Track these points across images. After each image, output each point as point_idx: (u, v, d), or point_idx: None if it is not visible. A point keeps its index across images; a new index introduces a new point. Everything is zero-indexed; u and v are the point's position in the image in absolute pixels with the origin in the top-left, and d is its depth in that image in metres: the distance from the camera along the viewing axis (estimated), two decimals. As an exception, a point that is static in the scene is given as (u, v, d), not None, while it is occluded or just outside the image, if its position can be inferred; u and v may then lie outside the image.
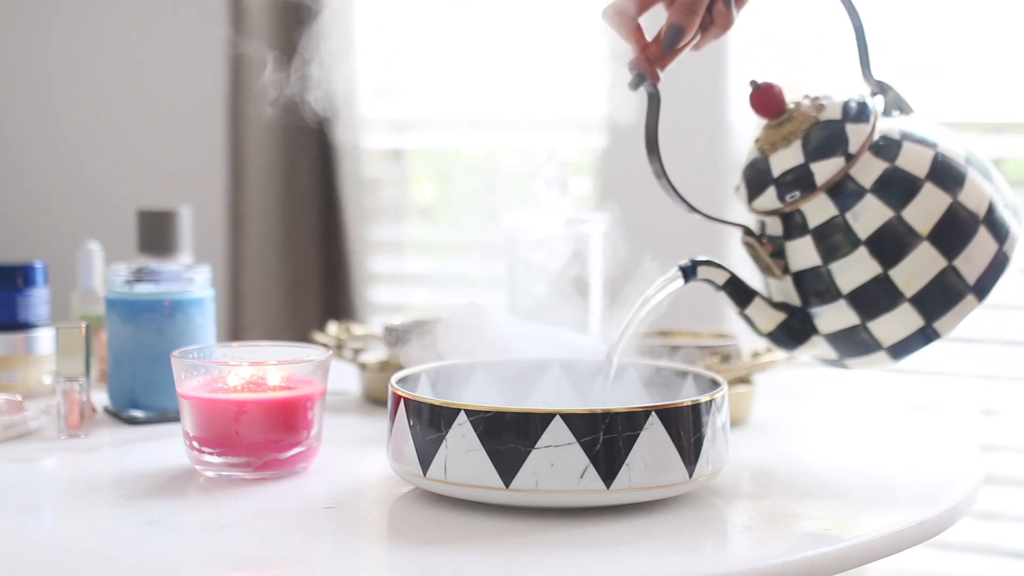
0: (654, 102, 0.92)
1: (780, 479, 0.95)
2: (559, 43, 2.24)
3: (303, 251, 2.39)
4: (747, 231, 0.95)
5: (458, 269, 2.45)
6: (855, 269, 0.89)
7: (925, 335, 0.90)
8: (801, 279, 0.92)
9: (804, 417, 1.23)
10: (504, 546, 0.77)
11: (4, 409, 1.05)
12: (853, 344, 0.92)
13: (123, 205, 2.28)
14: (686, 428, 0.82)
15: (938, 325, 0.90)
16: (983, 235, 0.89)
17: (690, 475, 0.82)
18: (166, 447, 1.02)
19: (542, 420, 0.79)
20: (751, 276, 0.96)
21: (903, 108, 0.95)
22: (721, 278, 0.93)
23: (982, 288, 0.89)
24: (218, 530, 0.80)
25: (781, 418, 1.18)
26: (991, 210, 0.90)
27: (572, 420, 0.79)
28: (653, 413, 0.81)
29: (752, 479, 0.95)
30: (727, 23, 0.92)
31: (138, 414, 1.10)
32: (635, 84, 0.92)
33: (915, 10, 2.04)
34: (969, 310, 0.90)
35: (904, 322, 0.90)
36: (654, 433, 0.80)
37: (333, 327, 1.33)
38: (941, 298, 0.89)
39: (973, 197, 0.90)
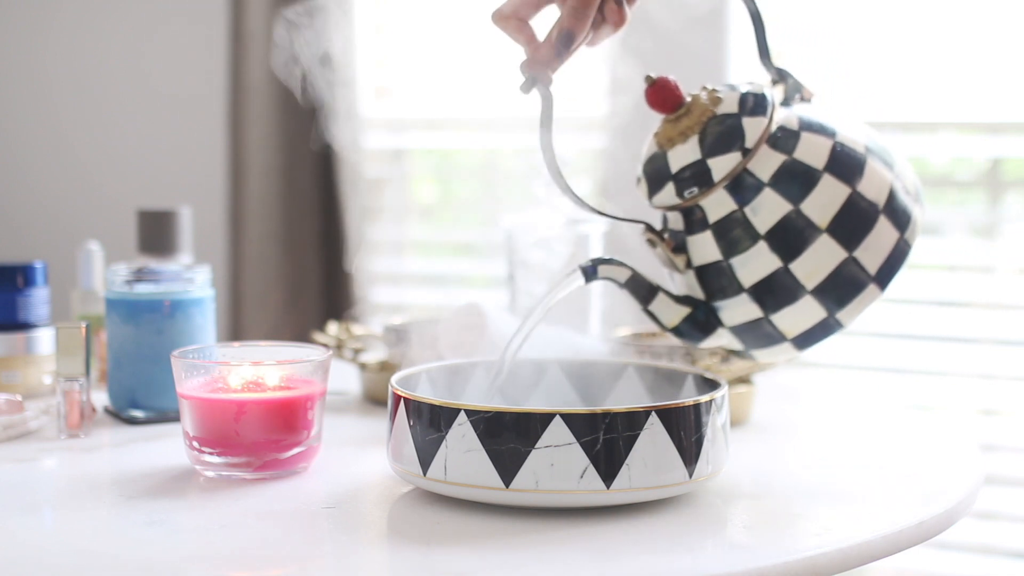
0: (547, 103, 0.92)
1: (780, 479, 0.95)
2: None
3: (303, 251, 2.39)
4: (647, 227, 0.94)
5: (458, 269, 2.46)
6: (755, 263, 0.89)
7: (828, 326, 0.90)
8: (703, 273, 0.92)
9: (804, 417, 1.23)
10: (504, 546, 0.77)
11: (4, 409, 1.05)
12: (758, 336, 0.92)
13: (123, 205, 2.28)
14: (686, 428, 0.82)
15: (840, 316, 0.89)
16: (883, 224, 0.88)
17: (690, 475, 0.82)
18: (166, 447, 1.02)
19: (542, 420, 0.79)
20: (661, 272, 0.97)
21: (803, 95, 0.94)
22: (623, 276, 0.92)
23: (883, 277, 0.89)
24: (218, 530, 0.80)
25: (781, 418, 1.18)
26: (891, 198, 0.89)
27: (572, 420, 0.79)
28: (653, 413, 0.81)
29: (752, 479, 0.95)
30: (620, 20, 0.92)
31: (138, 414, 1.10)
32: (528, 87, 0.92)
33: (915, 10, 2.04)
34: (871, 299, 0.89)
35: (806, 314, 0.89)
36: (654, 433, 0.80)
37: (333, 327, 1.33)
38: (842, 289, 0.88)
39: (873, 186, 0.89)
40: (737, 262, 0.89)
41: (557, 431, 0.79)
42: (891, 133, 0.95)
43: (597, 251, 1.29)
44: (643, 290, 0.93)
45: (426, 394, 0.92)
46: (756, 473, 0.97)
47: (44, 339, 1.21)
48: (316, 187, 2.38)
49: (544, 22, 0.93)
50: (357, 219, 2.35)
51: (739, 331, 0.92)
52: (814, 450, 1.08)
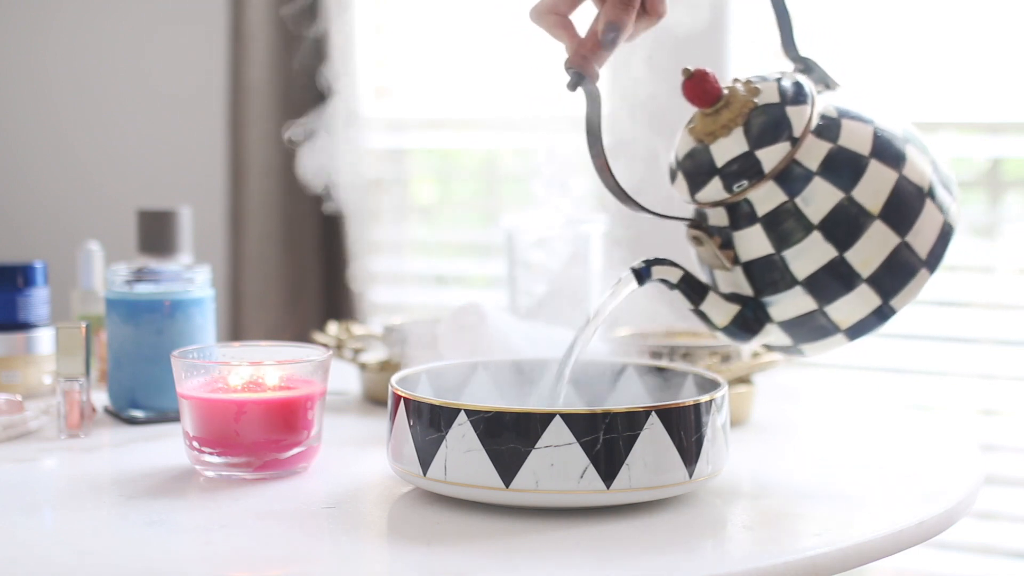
0: (595, 100, 0.90)
1: (780, 479, 0.95)
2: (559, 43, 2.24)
3: (303, 251, 2.39)
4: (693, 224, 0.93)
5: (458, 269, 2.45)
6: (810, 254, 0.88)
7: (882, 313, 0.89)
8: (752, 269, 0.90)
9: (804, 417, 1.23)
10: (504, 546, 0.77)
11: (4, 409, 1.05)
12: (810, 329, 0.91)
13: (123, 205, 2.28)
14: (686, 428, 0.82)
15: (894, 302, 0.89)
16: (930, 208, 0.89)
17: (690, 475, 0.82)
18: (166, 447, 1.02)
19: (542, 420, 0.79)
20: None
21: (829, 84, 0.94)
22: (675, 276, 0.91)
23: (933, 261, 0.89)
24: (218, 530, 0.80)
25: (781, 418, 1.18)
26: (933, 180, 0.89)
27: (572, 420, 0.79)
28: (653, 413, 0.81)
29: (752, 479, 0.95)
30: (660, 13, 0.90)
31: (138, 414, 1.10)
32: (574, 84, 0.90)
33: (915, 10, 2.04)
34: (923, 284, 0.89)
35: (862, 303, 0.89)
36: (654, 433, 0.80)
37: (333, 327, 1.33)
38: (897, 275, 0.88)
39: (916, 170, 0.89)
40: (790, 254, 0.88)
41: (557, 431, 0.79)
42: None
43: (598, 252, 1.29)
44: (695, 290, 0.91)
45: (426, 394, 0.92)
46: (756, 473, 0.97)
47: (44, 339, 1.21)
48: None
49: (583, 19, 0.91)
50: (357, 219, 2.35)
51: (790, 326, 0.91)
52: (814, 450, 1.08)
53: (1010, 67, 1.99)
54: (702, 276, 0.95)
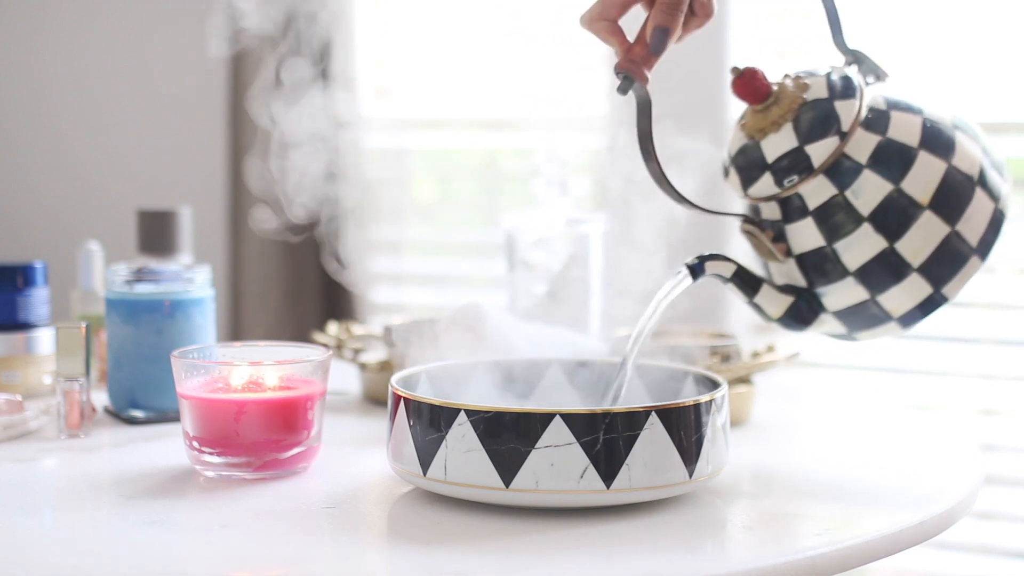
0: (645, 105, 0.91)
1: (780, 479, 0.95)
2: (559, 43, 2.24)
3: (303, 251, 2.39)
4: (746, 219, 0.95)
5: (458, 269, 2.45)
6: (861, 246, 0.89)
7: (934, 301, 0.91)
8: (805, 261, 0.92)
9: (804, 417, 1.23)
10: (504, 546, 0.77)
11: (4, 409, 1.05)
12: (863, 318, 0.92)
13: (123, 205, 2.28)
14: (686, 428, 0.82)
15: (946, 290, 0.91)
16: (980, 196, 0.90)
17: (690, 475, 0.82)
18: (166, 447, 1.02)
19: (542, 420, 0.79)
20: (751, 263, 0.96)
21: (879, 75, 0.95)
22: (728, 271, 0.93)
23: (984, 248, 0.90)
24: (218, 530, 0.80)
25: (781, 418, 1.18)
26: (983, 170, 0.90)
27: (572, 420, 0.79)
28: (653, 413, 0.81)
29: (752, 479, 0.95)
30: (709, 13, 0.92)
31: (138, 414, 1.10)
32: (624, 88, 0.91)
33: (915, 10, 2.04)
34: (974, 271, 0.90)
35: (913, 292, 0.90)
36: (654, 433, 0.80)
37: (333, 327, 1.33)
38: (947, 264, 0.89)
39: (966, 160, 0.90)
40: (841, 246, 0.90)
41: (557, 431, 0.79)
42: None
43: (597, 251, 1.29)
44: (748, 283, 0.93)
45: (426, 394, 0.92)
46: (756, 473, 0.97)
47: (44, 339, 1.21)
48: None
49: (633, 23, 0.92)
50: (357, 219, 2.35)
51: (843, 315, 0.92)
52: (814, 450, 1.08)
53: (1010, 67, 1.99)
54: (758, 268, 0.96)
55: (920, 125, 0.90)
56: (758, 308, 0.93)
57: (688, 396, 0.93)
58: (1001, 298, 2.01)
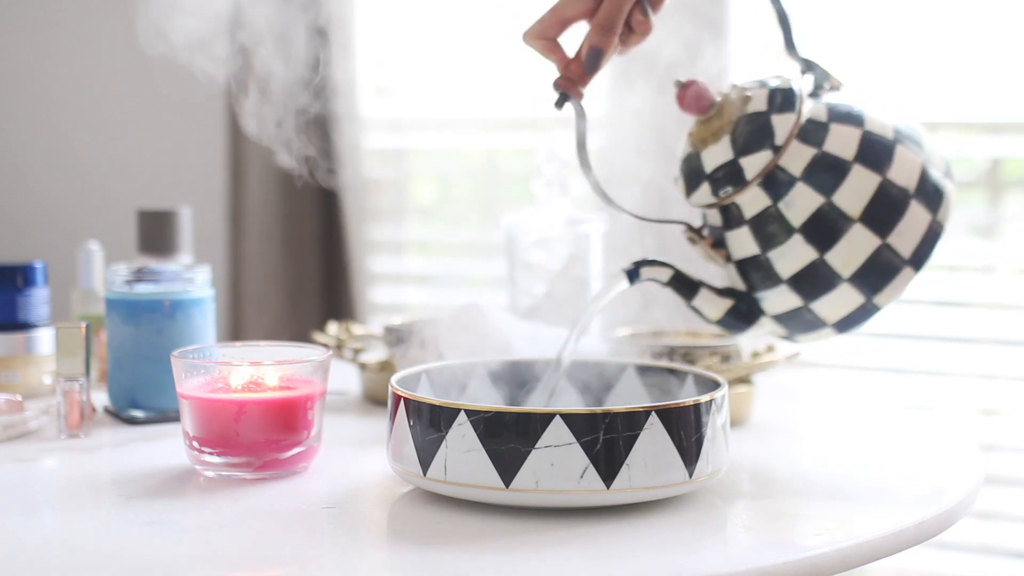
0: (581, 119, 0.95)
1: (780, 479, 0.95)
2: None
3: (303, 251, 2.39)
4: (687, 227, 0.97)
5: (458, 269, 2.45)
6: (792, 255, 0.91)
7: (866, 310, 0.93)
8: (744, 267, 0.95)
9: (804, 417, 1.23)
10: (504, 546, 0.77)
11: (4, 409, 1.05)
12: (800, 323, 0.95)
13: (123, 205, 2.28)
14: (686, 428, 0.82)
15: (878, 299, 0.92)
16: (915, 208, 0.91)
17: (690, 475, 0.82)
18: (166, 447, 1.02)
19: (542, 420, 0.79)
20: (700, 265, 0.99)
21: (832, 84, 0.96)
22: (665, 275, 0.96)
23: (918, 259, 0.91)
24: (218, 530, 0.80)
25: (781, 418, 1.18)
26: (922, 180, 0.91)
27: (572, 420, 0.79)
28: (653, 413, 0.81)
29: (752, 479, 0.95)
30: (646, 30, 0.94)
31: (138, 414, 1.10)
32: (560, 104, 0.95)
33: (915, 10, 2.04)
34: (907, 281, 0.92)
35: (845, 300, 0.92)
36: (654, 433, 0.80)
37: (333, 327, 1.33)
38: (878, 275, 0.91)
39: (903, 171, 0.91)
40: (774, 255, 0.92)
41: (557, 431, 0.79)
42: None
43: (598, 252, 1.29)
44: (686, 287, 0.96)
45: (426, 394, 0.92)
46: (756, 473, 0.97)
47: (44, 339, 1.21)
48: (316, 187, 2.38)
49: (575, 37, 0.95)
50: (357, 219, 2.35)
51: (781, 319, 0.95)
52: (814, 450, 1.08)
53: (1010, 67, 1.99)
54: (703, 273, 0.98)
55: (859, 138, 0.92)
56: (697, 311, 0.96)
57: (688, 396, 0.93)
58: (1001, 298, 2.01)
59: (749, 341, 1.17)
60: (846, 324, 0.94)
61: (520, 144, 2.32)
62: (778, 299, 0.94)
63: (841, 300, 0.92)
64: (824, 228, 0.90)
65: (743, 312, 0.95)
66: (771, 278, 0.93)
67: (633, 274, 0.95)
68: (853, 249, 0.90)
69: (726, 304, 0.95)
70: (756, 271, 0.94)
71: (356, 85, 2.32)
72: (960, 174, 2.09)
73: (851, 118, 0.93)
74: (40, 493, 0.91)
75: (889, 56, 2.04)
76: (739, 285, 0.96)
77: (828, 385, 2.08)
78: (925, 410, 2.01)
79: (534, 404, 0.98)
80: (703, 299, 0.95)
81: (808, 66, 0.96)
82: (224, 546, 0.77)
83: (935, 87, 2.02)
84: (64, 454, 1.01)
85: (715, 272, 0.98)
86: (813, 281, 0.91)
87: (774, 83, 0.94)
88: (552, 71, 0.95)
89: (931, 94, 2.03)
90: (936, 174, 0.92)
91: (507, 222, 1.32)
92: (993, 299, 2.01)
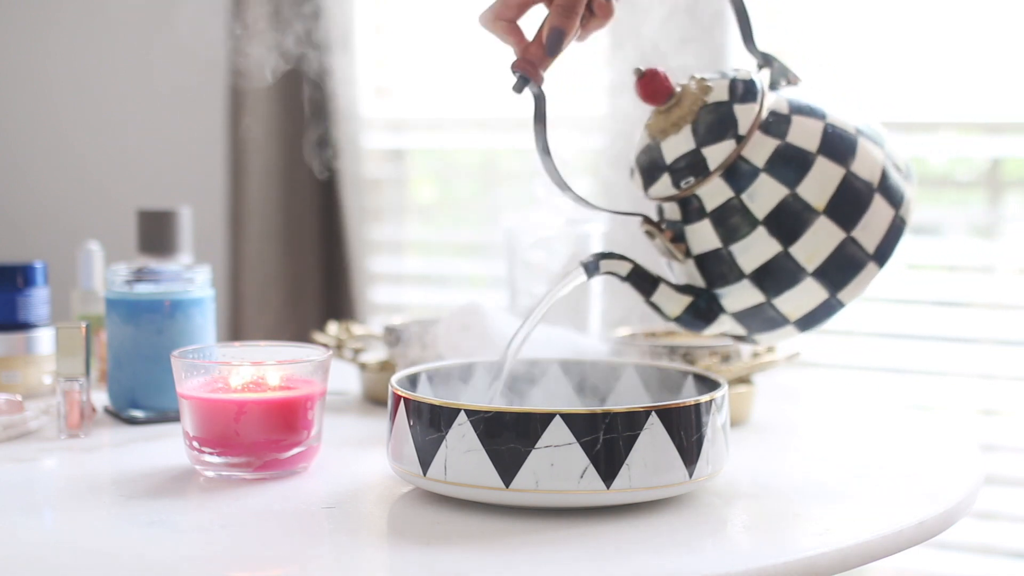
0: (541, 103, 0.92)
1: (780, 479, 0.95)
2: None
3: (303, 251, 2.39)
4: (645, 219, 0.95)
5: (458, 269, 2.45)
6: (755, 249, 0.90)
7: (830, 306, 0.91)
8: (703, 261, 0.92)
9: (804, 417, 1.23)
10: (504, 546, 0.77)
11: (4, 409, 1.05)
12: (760, 321, 0.93)
13: (123, 205, 2.28)
14: (686, 428, 0.82)
15: (842, 295, 0.90)
16: (879, 203, 0.90)
17: (690, 475, 0.82)
18: (166, 447, 1.02)
19: (542, 420, 0.79)
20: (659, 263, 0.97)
21: (790, 79, 0.95)
22: (624, 269, 0.93)
23: (882, 254, 0.90)
24: (218, 530, 0.80)
25: (781, 418, 1.18)
26: (884, 176, 0.90)
27: (572, 420, 0.79)
28: (653, 413, 0.81)
29: (752, 479, 0.95)
30: (608, 13, 0.93)
31: (138, 414, 1.10)
32: (519, 87, 0.92)
33: (915, 9, 2.04)
34: (871, 277, 0.90)
35: (809, 296, 0.90)
36: (654, 433, 0.80)
37: (333, 327, 1.33)
38: (843, 270, 0.89)
39: (866, 166, 0.90)
40: (737, 249, 0.90)
41: (557, 431, 0.79)
42: (891, 133, 0.96)
43: (598, 249, 1.29)
44: (645, 283, 0.93)
45: (426, 394, 0.92)
46: (756, 473, 0.97)
47: (44, 339, 1.21)
48: (316, 187, 2.38)
49: (534, 21, 0.93)
50: (357, 219, 2.35)
51: (741, 316, 0.93)
52: (814, 450, 1.08)
53: (1010, 67, 1.99)
54: (664, 267, 0.96)
55: (821, 130, 0.90)
56: (655, 307, 0.94)
57: (688, 396, 0.93)
58: (1001, 298, 2.01)
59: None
60: (808, 321, 0.92)
61: (520, 144, 2.32)
62: (739, 295, 0.91)
63: (804, 296, 0.90)
64: (788, 220, 0.89)
65: (702, 309, 0.93)
66: (732, 273, 0.91)
67: (592, 267, 0.93)
68: (817, 242, 0.89)
69: (685, 301, 0.93)
70: (717, 265, 0.91)
71: (356, 85, 2.32)
72: (960, 174, 2.10)
73: (812, 111, 0.91)
74: (40, 493, 0.91)
75: (889, 56, 2.04)
76: (698, 282, 0.93)
77: (828, 385, 2.08)
78: (925, 410, 2.01)
79: (536, 404, 0.98)
80: (662, 295, 0.93)
81: (766, 60, 0.95)
82: (224, 546, 0.77)
83: (935, 87, 2.02)
84: (64, 454, 1.01)
85: (677, 270, 0.96)
86: (776, 275, 0.90)
87: (732, 74, 0.93)
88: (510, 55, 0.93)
89: (931, 94, 2.03)
90: (897, 172, 0.91)
91: (507, 222, 1.32)
92: (993, 299, 2.01)
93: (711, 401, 0.84)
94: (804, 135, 0.90)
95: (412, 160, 2.45)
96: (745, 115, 0.90)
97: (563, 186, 0.92)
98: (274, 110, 2.35)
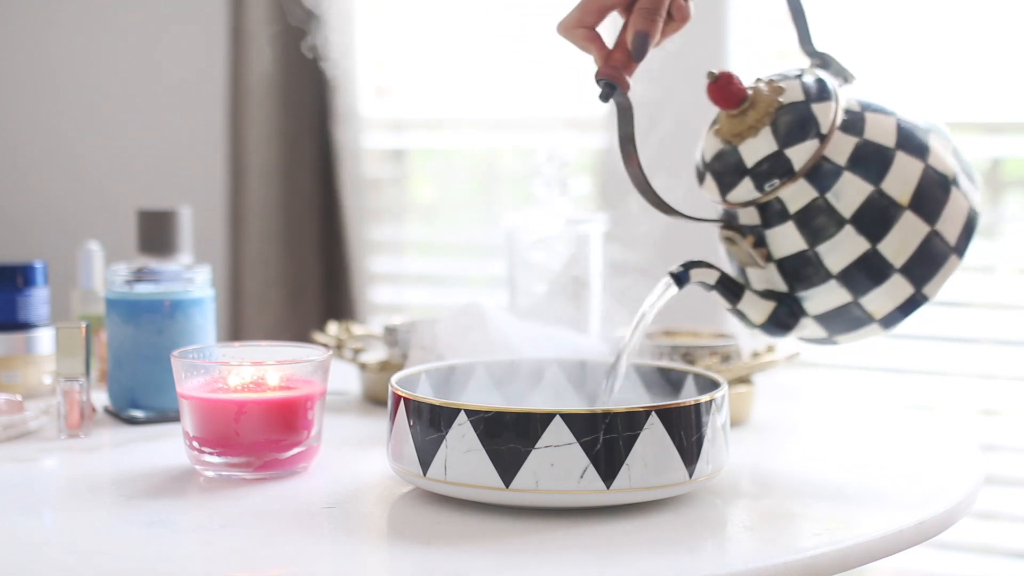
0: (627, 112, 0.90)
1: (780, 479, 0.95)
2: (559, 43, 2.24)
3: (303, 251, 2.39)
4: (726, 225, 0.94)
5: (458, 269, 2.45)
6: (843, 248, 0.90)
7: (915, 301, 0.91)
8: (785, 265, 0.92)
9: (804, 417, 1.23)
10: (504, 546, 0.77)
11: (4, 409, 1.05)
12: (845, 321, 0.92)
13: (123, 205, 2.28)
14: (686, 428, 0.82)
15: (927, 290, 0.91)
16: (956, 195, 0.90)
17: (690, 475, 0.82)
18: (166, 447, 1.02)
19: (542, 420, 0.79)
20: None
21: (847, 78, 0.95)
22: (712, 278, 0.93)
23: (961, 246, 0.91)
24: (218, 530, 0.80)
25: (781, 418, 1.18)
26: (957, 171, 0.91)
27: (572, 420, 0.79)
28: (653, 413, 0.81)
29: (752, 479, 0.95)
30: (685, 16, 0.92)
31: (138, 414, 1.10)
32: (606, 95, 0.90)
33: (914, 10, 2.04)
34: (953, 270, 0.91)
35: (895, 292, 0.90)
36: (654, 433, 0.80)
37: (333, 327, 1.33)
38: (928, 264, 0.90)
39: (940, 160, 0.91)
40: (824, 249, 0.90)
41: (557, 431, 0.79)
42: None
43: (598, 251, 1.29)
44: (731, 290, 0.93)
45: (426, 394, 0.92)
46: (756, 473, 0.97)
47: (44, 339, 1.21)
48: (316, 187, 2.38)
49: (609, 29, 0.92)
50: (357, 219, 2.35)
51: (825, 318, 0.93)
52: (814, 450, 1.08)
53: (1010, 67, 2.00)
54: (732, 274, 0.96)
55: (895, 126, 0.91)
56: (741, 315, 0.93)
57: (688, 396, 0.93)
58: (1001, 298, 2.01)
59: (750, 341, 1.17)
60: (893, 318, 0.91)
61: (520, 144, 2.32)
62: (825, 296, 0.91)
63: (891, 292, 0.90)
64: (875, 217, 0.88)
65: (784, 315, 0.92)
66: (819, 274, 0.90)
67: (683, 277, 0.92)
68: (904, 237, 0.88)
69: (770, 306, 0.92)
70: (802, 268, 0.91)
71: (356, 85, 2.32)
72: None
73: (882, 108, 0.92)
74: (40, 493, 0.91)
75: (889, 56, 2.04)
76: (779, 286, 0.92)
77: (828, 385, 2.08)
78: (925, 410, 2.01)
79: (536, 404, 0.98)
80: (748, 302, 0.92)
81: (824, 60, 0.95)
82: (224, 546, 0.77)
83: (935, 87, 2.02)
84: (64, 454, 1.01)
85: (753, 276, 0.95)
86: (864, 273, 0.89)
87: (797, 73, 0.93)
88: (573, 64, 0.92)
89: (931, 94, 2.02)
90: (966, 163, 0.92)
91: (507, 222, 1.32)
92: (993, 299, 2.01)
93: (711, 401, 0.84)
94: (880, 131, 0.90)
95: (412, 160, 2.45)
96: (824, 114, 0.90)
97: (654, 199, 0.90)
98: (274, 110, 2.35)
